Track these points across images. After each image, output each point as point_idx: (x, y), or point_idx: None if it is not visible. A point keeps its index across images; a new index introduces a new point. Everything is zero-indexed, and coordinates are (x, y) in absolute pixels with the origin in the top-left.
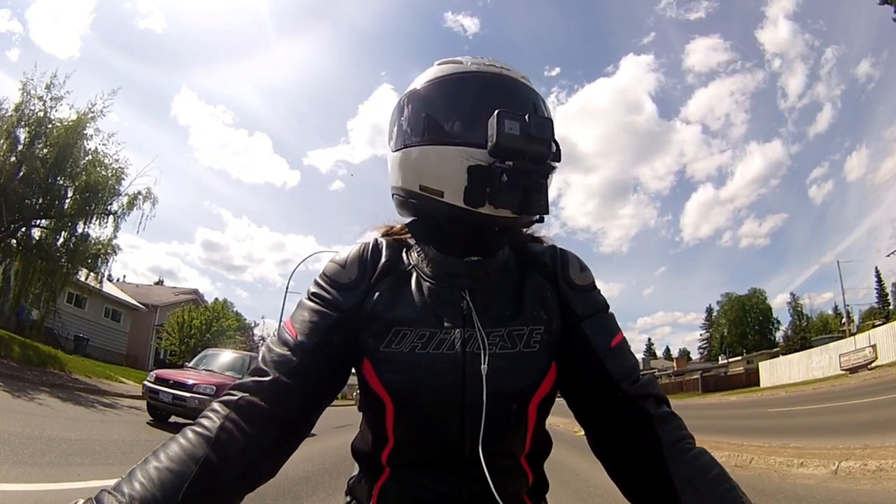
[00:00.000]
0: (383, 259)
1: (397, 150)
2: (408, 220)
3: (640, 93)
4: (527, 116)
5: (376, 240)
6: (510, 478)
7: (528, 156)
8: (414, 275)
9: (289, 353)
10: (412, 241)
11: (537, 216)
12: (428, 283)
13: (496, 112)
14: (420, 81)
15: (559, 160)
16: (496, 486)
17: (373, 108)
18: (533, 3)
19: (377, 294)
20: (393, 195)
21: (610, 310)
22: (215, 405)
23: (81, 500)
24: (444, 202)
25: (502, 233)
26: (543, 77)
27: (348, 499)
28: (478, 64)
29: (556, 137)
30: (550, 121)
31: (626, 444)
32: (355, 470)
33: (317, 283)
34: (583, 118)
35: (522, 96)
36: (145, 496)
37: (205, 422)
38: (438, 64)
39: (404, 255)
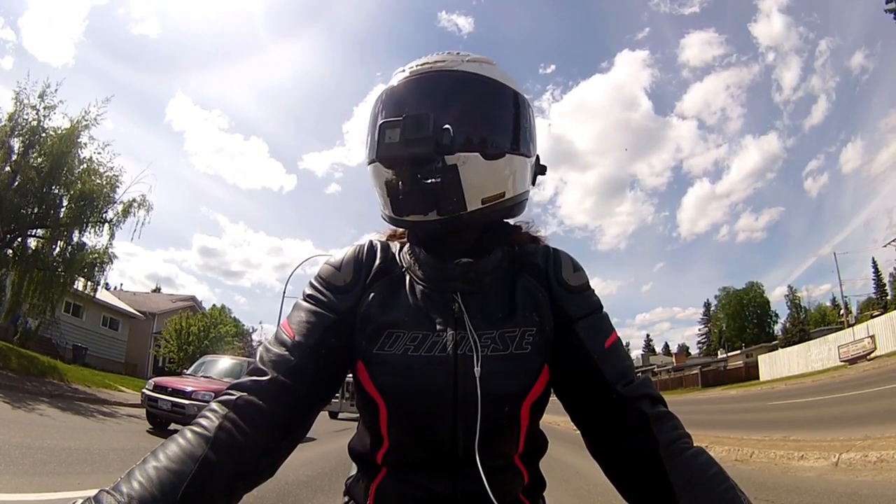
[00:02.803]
0: (377, 261)
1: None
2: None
3: (635, 89)
4: (404, 118)
5: (371, 242)
6: (505, 477)
7: (407, 160)
8: (407, 277)
9: (287, 353)
10: (406, 242)
11: (458, 213)
12: (420, 286)
13: (378, 124)
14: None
15: (462, 150)
16: (491, 485)
17: (368, 110)
18: (527, 0)
19: (371, 296)
20: None
21: (604, 310)
22: (213, 405)
23: (80, 500)
24: (388, 215)
25: (467, 232)
26: (539, 74)
27: (346, 499)
28: (410, 68)
29: (551, 134)
30: (427, 115)
31: (622, 445)
32: (353, 470)
33: (312, 285)
34: (579, 115)
35: (428, 92)
36: (144, 495)
37: (203, 421)
38: (393, 75)
39: (398, 256)
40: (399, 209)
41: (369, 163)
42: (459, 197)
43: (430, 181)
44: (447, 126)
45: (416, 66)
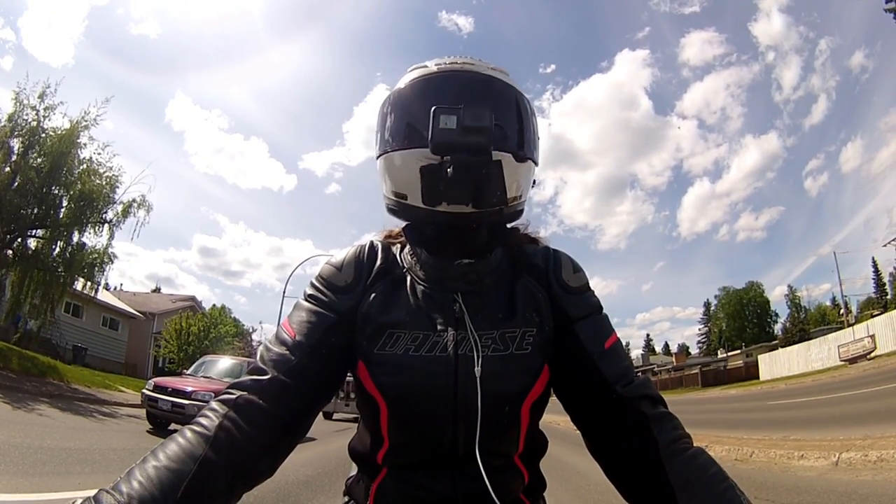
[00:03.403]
0: (378, 262)
1: (378, 158)
2: (403, 224)
3: (635, 88)
4: (462, 107)
5: (372, 242)
6: (505, 477)
7: (464, 148)
8: (408, 278)
9: (287, 352)
10: (407, 244)
11: (497, 207)
12: (421, 286)
13: (432, 108)
14: (392, 90)
15: (505, 148)
16: (492, 485)
17: (368, 110)
18: (527, 0)
19: (372, 296)
20: (384, 202)
21: (604, 311)
22: (214, 404)
23: (80, 500)
24: (409, 204)
25: (479, 230)
26: (539, 74)
27: (346, 498)
28: (441, 65)
29: (551, 134)
30: (487, 110)
31: (622, 445)
32: (353, 470)
33: (313, 285)
34: (578, 115)
35: (473, 89)
36: (144, 495)
37: (203, 420)
38: (409, 70)
39: (399, 257)
40: (434, 197)
41: (392, 151)
42: (502, 191)
43: (483, 172)
44: (499, 123)
45: (445, 63)
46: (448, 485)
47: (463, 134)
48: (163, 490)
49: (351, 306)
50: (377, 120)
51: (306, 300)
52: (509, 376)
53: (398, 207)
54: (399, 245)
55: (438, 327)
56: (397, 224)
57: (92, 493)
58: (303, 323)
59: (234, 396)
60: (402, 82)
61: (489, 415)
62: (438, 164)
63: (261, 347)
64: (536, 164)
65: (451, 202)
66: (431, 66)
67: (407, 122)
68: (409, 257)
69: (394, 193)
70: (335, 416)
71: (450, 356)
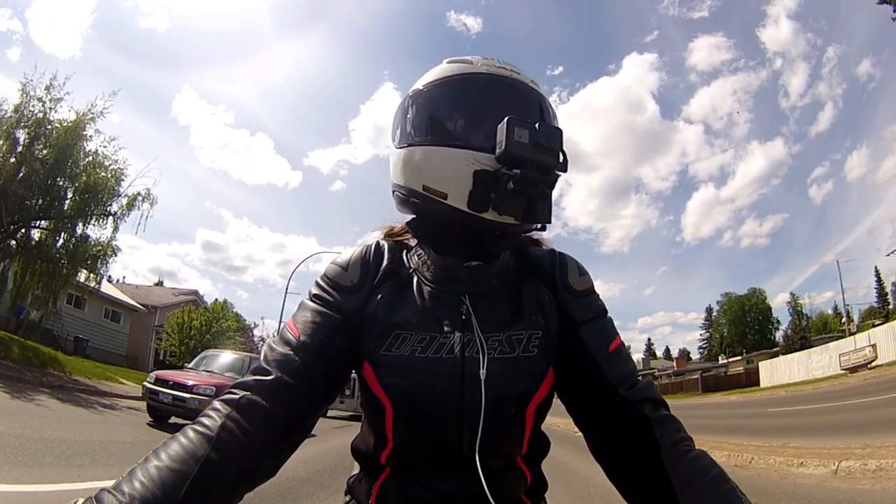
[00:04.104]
0: (385, 262)
1: (401, 148)
2: (408, 218)
3: (642, 92)
4: (537, 125)
5: (378, 242)
6: (508, 478)
7: (536, 165)
8: (415, 278)
9: (291, 352)
10: (413, 243)
11: (539, 224)
12: (428, 288)
13: (506, 118)
14: (428, 79)
15: (566, 170)
16: (494, 485)
17: (375, 108)
18: (536, 1)
19: (378, 297)
20: (394, 192)
21: (608, 314)
22: (216, 404)
23: (81, 500)
24: (447, 204)
25: (503, 238)
26: (546, 76)
27: (347, 498)
28: (488, 65)
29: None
30: (560, 130)
31: (624, 447)
32: (355, 469)
33: (318, 285)
34: (585, 117)
35: (532, 103)
36: (146, 495)
37: (206, 421)
38: (448, 62)
39: (405, 257)
40: (482, 204)
41: (438, 144)
42: (550, 210)
43: (548, 191)
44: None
45: (495, 65)
46: (451, 485)
47: (536, 151)
48: (164, 490)
49: (357, 307)
50: (403, 109)
51: (311, 300)
52: (515, 378)
53: (422, 202)
54: (405, 245)
55: (445, 329)
56: (398, 219)
57: (93, 490)
58: (307, 323)
59: (237, 396)
60: (442, 74)
61: (494, 417)
62: (495, 173)
63: (265, 347)
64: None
65: (504, 213)
66: (477, 63)
67: (456, 120)
68: (415, 257)
69: (424, 188)
70: (329, 412)
71: (456, 358)
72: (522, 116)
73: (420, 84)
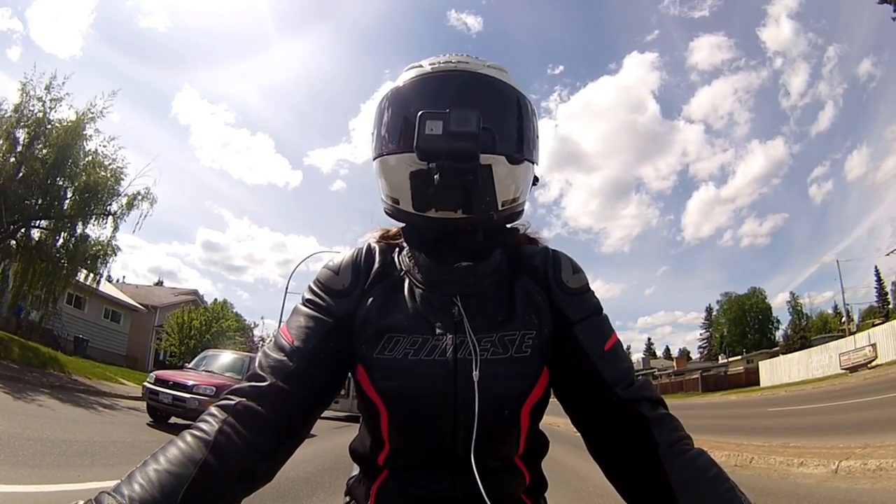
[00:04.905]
0: (376, 265)
1: (374, 160)
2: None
3: (643, 91)
4: (448, 112)
5: (370, 245)
6: (505, 478)
7: (450, 154)
8: (406, 281)
9: (285, 358)
10: (405, 246)
11: (489, 213)
12: (420, 290)
13: (419, 114)
14: (386, 90)
15: (495, 150)
16: (492, 486)
17: (376, 103)
18: (537, 0)
19: (370, 300)
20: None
21: (603, 312)
22: (213, 410)
23: (81, 502)
24: (401, 209)
25: (475, 234)
26: (547, 75)
27: (347, 499)
28: (434, 64)
29: (558, 135)
30: (475, 113)
31: (622, 447)
32: (355, 471)
33: (311, 289)
34: (586, 117)
35: (463, 91)
36: (145, 498)
37: (203, 425)
38: (405, 69)
39: (397, 260)
40: (423, 203)
41: (387, 154)
42: (492, 197)
43: (470, 178)
44: (487, 126)
45: (440, 62)
46: (449, 486)
47: (448, 140)
48: (163, 493)
49: (349, 310)
50: (374, 119)
51: (304, 305)
52: (509, 380)
53: (393, 211)
54: (397, 247)
55: (437, 331)
56: (395, 223)
57: (93, 492)
58: (301, 328)
59: (233, 402)
60: (398, 82)
61: (488, 418)
62: (427, 170)
63: (259, 354)
64: (535, 163)
65: (440, 209)
66: (426, 65)
67: (399, 125)
68: (407, 260)
69: (388, 197)
70: (324, 413)
71: (449, 360)
72: (451, 107)
73: (381, 96)
